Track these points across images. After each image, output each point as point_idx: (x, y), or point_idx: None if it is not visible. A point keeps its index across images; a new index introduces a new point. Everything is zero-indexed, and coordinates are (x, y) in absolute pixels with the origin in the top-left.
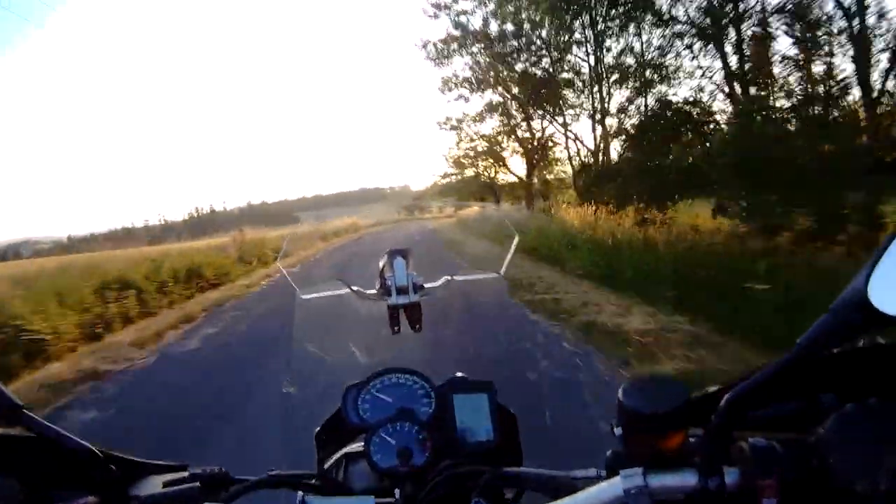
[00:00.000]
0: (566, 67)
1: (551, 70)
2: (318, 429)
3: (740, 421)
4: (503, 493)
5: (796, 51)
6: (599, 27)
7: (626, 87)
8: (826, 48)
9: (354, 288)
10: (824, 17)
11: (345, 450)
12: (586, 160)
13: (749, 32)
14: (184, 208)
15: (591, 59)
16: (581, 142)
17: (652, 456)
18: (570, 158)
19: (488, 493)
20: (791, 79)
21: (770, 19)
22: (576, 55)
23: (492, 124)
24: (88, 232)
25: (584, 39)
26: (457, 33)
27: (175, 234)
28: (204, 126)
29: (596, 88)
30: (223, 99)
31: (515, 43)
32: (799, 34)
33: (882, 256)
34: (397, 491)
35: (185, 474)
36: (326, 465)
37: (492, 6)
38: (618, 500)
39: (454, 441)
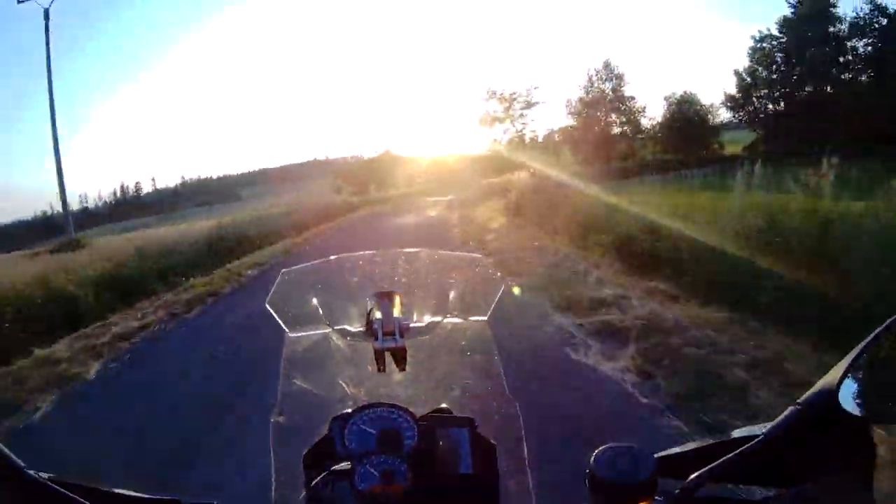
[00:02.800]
0: None
1: None
2: (306, 451)
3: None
4: None
5: None
6: None
7: None
8: None
9: (340, 328)
10: None
11: (334, 467)
12: None
13: None
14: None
15: None
16: None
17: None
18: None
19: None
20: None
21: None
22: None
23: None
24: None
25: None
26: None
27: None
28: (128, 91)
29: None
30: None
31: None
32: None
33: (857, 358)
34: None
35: None
36: (313, 483)
37: None
38: None
39: (434, 473)
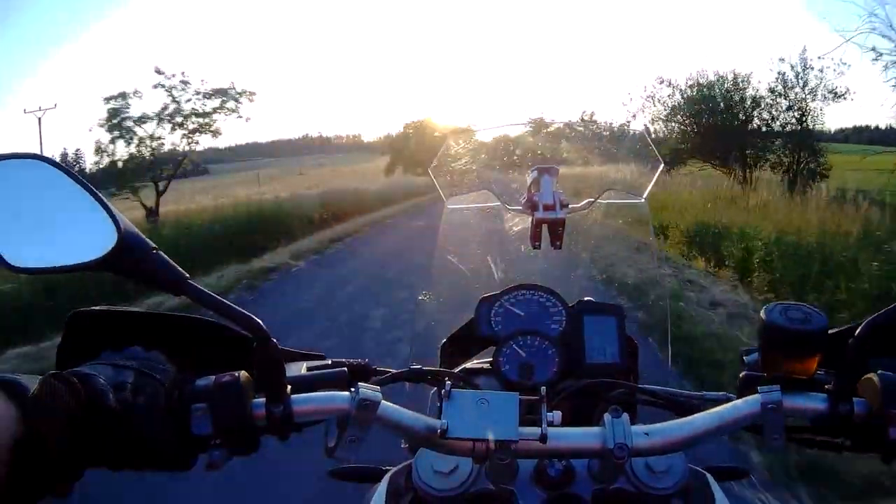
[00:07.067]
0: None
1: None
2: (444, 341)
3: (875, 352)
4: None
5: None
6: None
7: None
8: None
9: (503, 200)
10: None
11: (465, 364)
12: None
13: None
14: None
15: None
16: None
17: (787, 377)
18: None
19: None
20: None
21: None
22: None
23: None
24: None
25: None
26: None
27: None
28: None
29: None
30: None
31: None
32: None
33: None
34: (543, 389)
35: (327, 361)
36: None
37: None
38: (753, 416)
39: (581, 360)
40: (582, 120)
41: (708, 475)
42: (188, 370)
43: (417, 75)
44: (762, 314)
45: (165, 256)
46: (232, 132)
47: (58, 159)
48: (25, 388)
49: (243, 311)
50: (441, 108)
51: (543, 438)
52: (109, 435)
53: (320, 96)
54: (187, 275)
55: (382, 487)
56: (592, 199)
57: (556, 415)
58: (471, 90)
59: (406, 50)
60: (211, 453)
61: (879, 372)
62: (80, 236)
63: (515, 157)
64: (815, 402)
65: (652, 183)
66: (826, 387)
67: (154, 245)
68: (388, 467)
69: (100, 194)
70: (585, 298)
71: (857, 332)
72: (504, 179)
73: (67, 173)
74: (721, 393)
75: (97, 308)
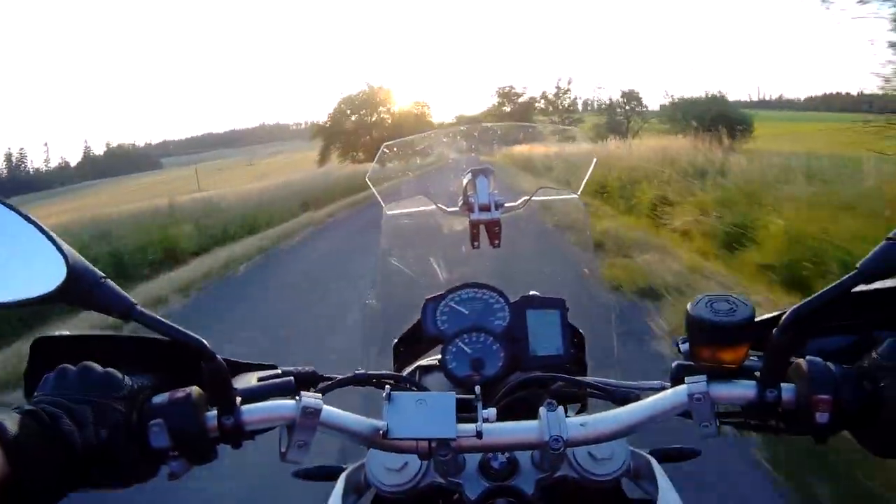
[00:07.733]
0: None
1: None
2: (396, 340)
3: (800, 340)
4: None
5: None
6: None
7: None
8: None
9: (439, 204)
10: None
11: (418, 362)
12: None
13: None
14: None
15: None
16: None
17: (715, 367)
18: None
19: (558, 399)
20: None
21: None
22: None
23: None
24: None
25: None
26: None
27: None
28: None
29: None
30: None
31: None
32: None
33: None
34: (478, 388)
35: (278, 371)
36: (401, 375)
37: None
38: (682, 406)
39: (526, 354)
40: (558, 88)
41: (652, 459)
42: (145, 387)
43: (373, 50)
44: (688, 307)
45: (113, 284)
46: (187, 123)
47: None
48: (7, 432)
49: (189, 333)
50: (400, 75)
51: (479, 435)
52: (83, 464)
53: (276, 84)
54: (135, 301)
55: (339, 486)
56: (528, 198)
57: (491, 412)
58: (434, 56)
59: (357, 23)
60: (170, 464)
61: (808, 358)
62: (30, 271)
63: (451, 161)
64: (742, 390)
65: (585, 179)
66: (755, 374)
67: (102, 274)
68: (346, 465)
69: (46, 229)
70: (530, 293)
71: (782, 320)
72: (442, 182)
73: (13, 209)
74: (657, 382)
75: (58, 334)
